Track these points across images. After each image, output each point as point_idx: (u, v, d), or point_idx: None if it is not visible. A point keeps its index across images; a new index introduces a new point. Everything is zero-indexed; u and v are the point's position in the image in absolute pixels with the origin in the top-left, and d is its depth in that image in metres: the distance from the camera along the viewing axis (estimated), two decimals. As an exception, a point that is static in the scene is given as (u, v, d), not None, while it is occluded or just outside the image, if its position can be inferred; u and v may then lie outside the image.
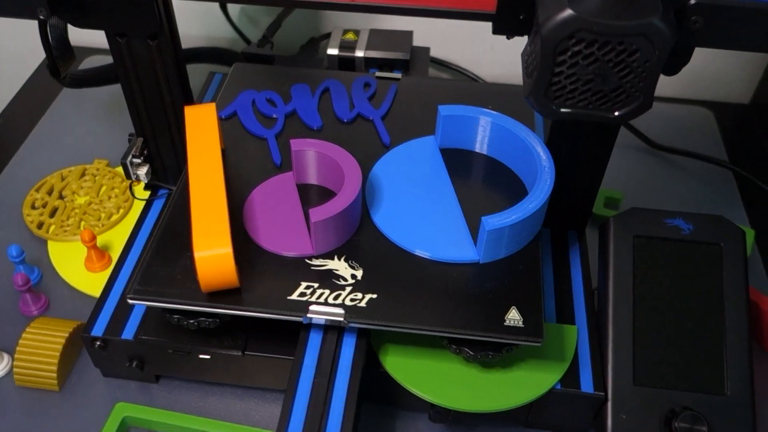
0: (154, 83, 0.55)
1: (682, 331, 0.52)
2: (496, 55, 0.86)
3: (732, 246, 0.54)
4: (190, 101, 0.58)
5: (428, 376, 0.50)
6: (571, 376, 0.51)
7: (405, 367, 0.50)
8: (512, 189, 0.54)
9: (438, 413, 0.51)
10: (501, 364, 0.51)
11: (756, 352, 0.60)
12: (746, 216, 0.71)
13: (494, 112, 0.54)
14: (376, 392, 0.53)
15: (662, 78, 0.78)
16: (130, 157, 0.58)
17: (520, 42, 0.46)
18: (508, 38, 0.47)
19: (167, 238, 0.50)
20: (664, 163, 0.76)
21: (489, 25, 0.47)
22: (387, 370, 0.50)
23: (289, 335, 0.51)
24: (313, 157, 0.52)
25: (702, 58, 0.83)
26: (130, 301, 0.47)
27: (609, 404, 0.50)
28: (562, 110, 0.40)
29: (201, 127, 0.52)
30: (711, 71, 0.85)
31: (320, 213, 0.47)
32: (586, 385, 0.50)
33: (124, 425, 0.53)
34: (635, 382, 0.51)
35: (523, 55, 0.43)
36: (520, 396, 0.49)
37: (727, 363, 0.51)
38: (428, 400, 0.49)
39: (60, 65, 0.57)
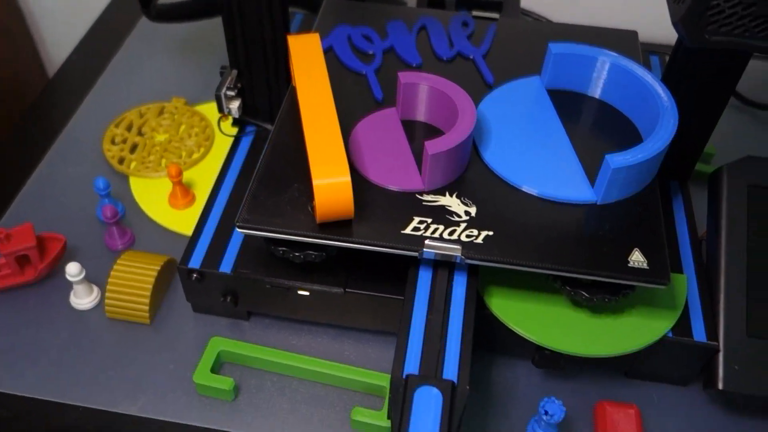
0: (257, 14, 0.53)
1: (798, 283, 0.50)
2: (577, 7, 0.83)
3: None
4: (290, 33, 0.57)
5: (535, 319, 0.49)
6: (682, 325, 0.49)
7: (511, 310, 0.49)
8: (625, 132, 0.52)
9: (544, 357, 0.49)
10: (611, 310, 0.49)
11: None
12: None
13: (613, 52, 0.52)
14: (481, 337, 0.52)
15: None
16: (225, 89, 0.56)
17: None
18: None
19: (271, 170, 0.49)
20: (757, 120, 0.74)
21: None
22: (493, 311, 0.49)
23: (391, 274, 0.50)
24: (423, 91, 0.50)
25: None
26: (239, 230, 0.46)
27: (720, 355, 0.49)
28: (714, 38, 0.38)
29: (307, 56, 0.51)
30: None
31: (437, 146, 0.45)
32: (699, 334, 0.49)
33: (219, 360, 0.52)
34: (749, 333, 0.49)
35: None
36: (632, 342, 0.48)
37: None
38: (537, 343, 0.48)
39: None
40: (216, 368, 0.52)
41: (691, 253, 0.53)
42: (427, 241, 0.45)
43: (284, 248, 0.47)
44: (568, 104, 0.54)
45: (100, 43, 0.80)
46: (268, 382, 0.52)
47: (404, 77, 0.50)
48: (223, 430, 0.50)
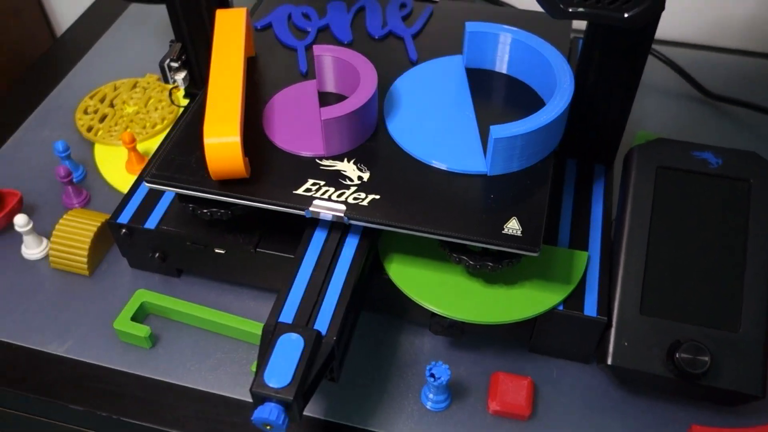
0: (192, -12, 0.57)
1: (698, 265, 0.50)
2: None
3: (762, 182, 0.51)
4: (227, 8, 0.60)
5: (431, 287, 0.50)
6: (575, 299, 0.50)
7: (409, 276, 0.51)
8: (533, 108, 0.53)
9: (438, 324, 0.51)
10: (505, 280, 0.50)
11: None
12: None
13: (516, 29, 0.53)
14: (382, 302, 0.54)
15: (727, 29, 0.74)
16: (168, 60, 0.60)
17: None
18: None
19: (188, 132, 0.52)
20: (719, 113, 0.73)
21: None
22: (390, 277, 0.51)
23: (301, 236, 0.53)
24: (332, 62, 0.53)
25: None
26: (146, 184, 0.49)
27: (612, 330, 0.49)
28: (570, 9, 0.39)
29: (229, 29, 0.54)
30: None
31: (331, 112, 0.48)
32: (590, 309, 0.49)
33: (142, 310, 0.56)
34: (642, 311, 0.49)
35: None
36: (520, 311, 0.49)
37: (744, 301, 0.49)
38: (428, 308, 0.50)
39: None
40: (140, 319, 0.56)
41: (601, 233, 0.54)
42: (314, 201, 0.47)
43: (193, 205, 0.51)
44: (484, 82, 0.55)
45: (92, 24, 0.86)
46: (185, 334, 0.56)
47: (317, 50, 0.53)
48: (136, 373, 0.53)
